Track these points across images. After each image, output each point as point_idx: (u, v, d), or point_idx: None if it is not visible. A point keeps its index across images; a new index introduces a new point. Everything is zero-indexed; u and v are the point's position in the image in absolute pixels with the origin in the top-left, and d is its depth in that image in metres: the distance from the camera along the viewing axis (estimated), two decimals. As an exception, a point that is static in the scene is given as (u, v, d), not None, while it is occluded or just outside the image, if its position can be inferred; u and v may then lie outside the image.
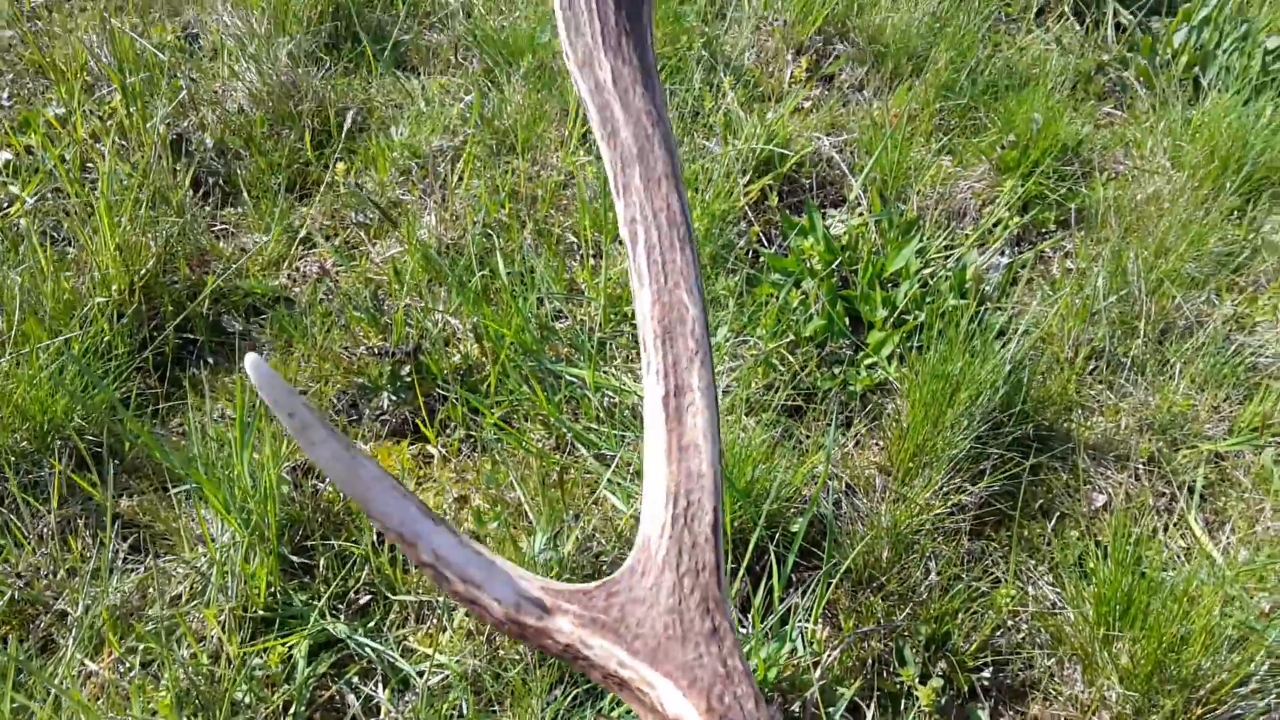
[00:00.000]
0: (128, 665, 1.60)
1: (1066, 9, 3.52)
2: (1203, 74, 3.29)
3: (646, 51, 0.81)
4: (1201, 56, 3.31)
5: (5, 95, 2.66)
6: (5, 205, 2.32)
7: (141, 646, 1.63)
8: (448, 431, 2.09)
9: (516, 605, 0.58)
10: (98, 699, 1.58)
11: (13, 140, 2.45)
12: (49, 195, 2.33)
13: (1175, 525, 2.10)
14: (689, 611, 0.61)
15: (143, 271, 2.13)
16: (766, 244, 2.60)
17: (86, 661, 1.62)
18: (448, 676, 1.66)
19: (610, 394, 2.15)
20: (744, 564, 1.80)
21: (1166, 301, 2.48)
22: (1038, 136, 2.88)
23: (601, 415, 2.11)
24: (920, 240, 2.50)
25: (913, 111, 2.98)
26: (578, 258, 2.46)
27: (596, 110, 0.79)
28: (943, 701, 1.75)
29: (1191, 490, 2.14)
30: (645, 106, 0.78)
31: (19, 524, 1.78)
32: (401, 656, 1.69)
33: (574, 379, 2.16)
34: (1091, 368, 2.36)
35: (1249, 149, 2.88)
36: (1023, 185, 2.75)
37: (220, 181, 2.53)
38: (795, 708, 1.67)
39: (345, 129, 2.60)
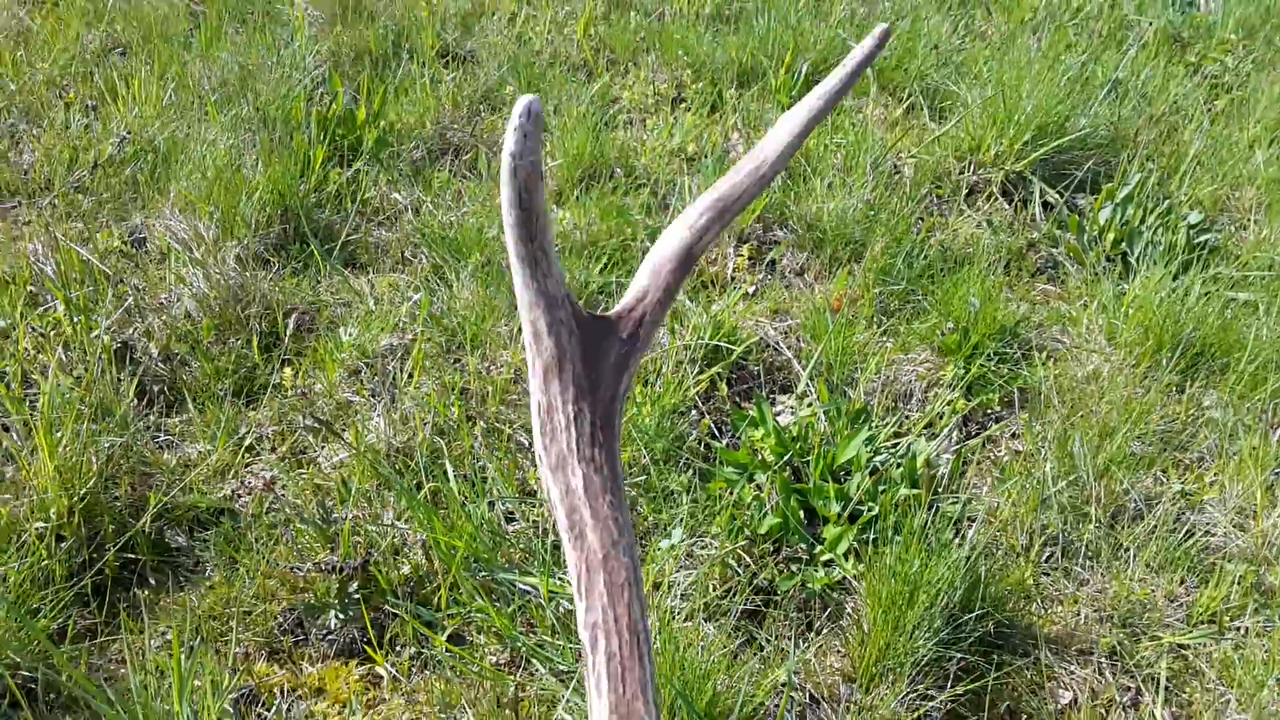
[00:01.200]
0: None
1: (995, 190, 3.67)
2: (1130, 250, 3.42)
3: (616, 461, 0.85)
4: (1127, 233, 3.45)
5: (-54, 306, 2.64)
6: (-59, 426, 2.27)
7: None
8: (397, 649, 2.02)
9: None
10: None
11: (-49, 355, 2.41)
12: (-13, 412, 2.29)
13: (1143, 721, 2.07)
14: None
15: (83, 492, 2.07)
16: (718, 436, 2.61)
17: None
18: None
19: (566, 603, 2.10)
20: (708, 790, 1.74)
21: (1115, 484, 2.51)
22: (976, 319, 2.95)
23: (556, 626, 2.05)
24: (869, 428, 2.53)
25: (853, 296, 3.05)
26: (530, 457, 2.44)
27: (565, 513, 0.84)
28: None
29: (1156, 683, 2.12)
30: (612, 514, 0.81)
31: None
32: None
33: (527, 588, 2.12)
34: (1047, 555, 2.36)
35: (1182, 326, 2.97)
36: (965, 369, 2.80)
37: (165, 389, 2.50)
38: None
39: (290, 332, 2.60)
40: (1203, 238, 3.48)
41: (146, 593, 2.06)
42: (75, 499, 2.05)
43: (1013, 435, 2.73)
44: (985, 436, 2.68)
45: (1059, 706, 2.07)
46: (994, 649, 2.13)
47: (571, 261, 2.96)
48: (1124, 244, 3.43)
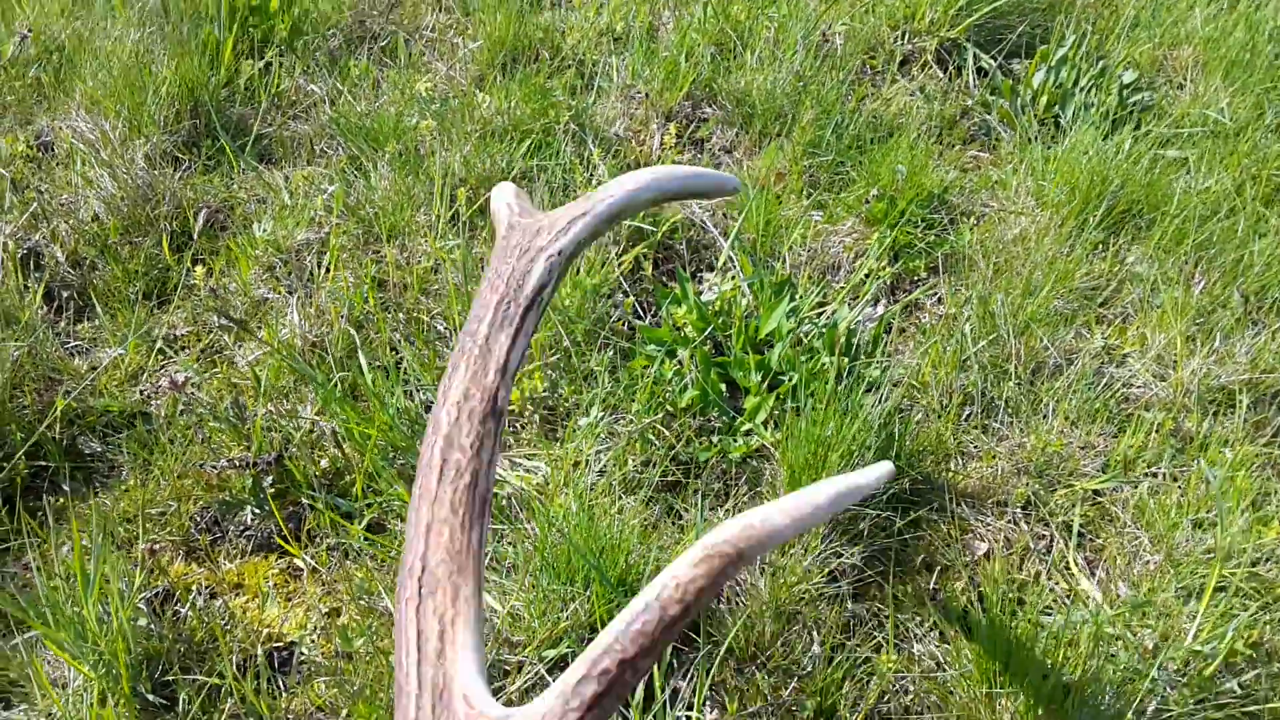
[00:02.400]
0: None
1: (929, 58, 3.60)
2: (1063, 112, 3.38)
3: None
4: (1060, 95, 3.40)
5: None
6: None
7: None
8: (316, 541, 2.03)
9: None
10: None
11: None
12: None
13: (1056, 567, 2.11)
14: None
15: (-14, 399, 2.04)
16: (642, 315, 2.59)
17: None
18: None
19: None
20: (621, 654, 1.77)
21: (1035, 341, 2.52)
22: (904, 186, 2.92)
23: (476, 508, 2.06)
24: (792, 300, 2.52)
25: (781, 170, 3.01)
26: (448, 345, 2.42)
27: None
28: (832, 777, 1.72)
29: (1069, 529, 2.16)
30: None
31: None
32: (268, 789, 1.62)
33: (447, 472, 2.12)
34: (965, 414, 2.38)
35: (1109, 183, 2.95)
36: (890, 235, 2.78)
37: (75, 294, 2.45)
38: (680, 801, 1.64)
39: (200, 228, 2.55)
40: (1136, 97, 3.44)
41: (59, 499, 2.05)
42: (-22, 407, 2.03)
43: (937, 300, 2.73)
44: (908, 301, 2.68)
45: (974, 558, 2.11)
46: (910, 506, 2.16)
47: (494, 146, 2.90)
48: (1057, 107, 3.39)
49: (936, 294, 2.74)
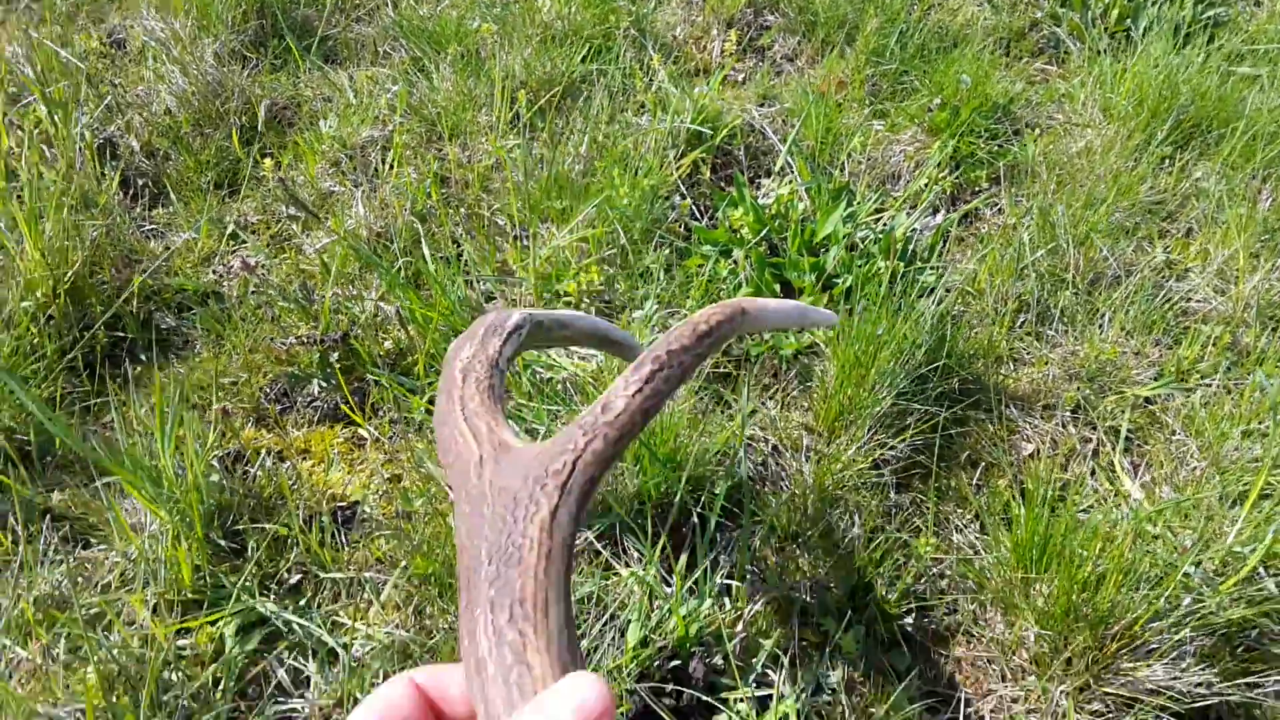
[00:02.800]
0: (55, 652, 1.62)
1: (999, -29, 3.54)
2: (1134, 25, 3.31)
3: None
4: (1132, 8, 3.33)
5: (-64, 109, 2.68)
6: (-69, 215, 2.33)
7: (68, 633, 1.65)
8: (379, 414, 2.11)
9: None
10: (26, 685, 1.60)
11: (-60, 152, 2.46)
12: (-24, 204, 2.35)
13: (1102, 469, 2.12)
14: None
15: (69, 274, 2.14)
16: (698, 217, 2.62)
17: (16, 649, 1.64)
18: (374, 647, 1.68)
19: (540, 370, 2.17)
20: (666, 529, 1.83)
21: (1095, 252, 2.51)
22: (968, 97, 2.90)
23: (531, 391, 2.13)
24: (849, 206, 2.52)
25: (844, 78, 2.99)
26: (508, 239, 2.47)
27: None
28: (865, 648, 1.77)
29: (1117, 434, 2.16)
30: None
31: (-53, 525, 1.80)
32: (330, 631, 1.71)
33: (503, 357, 2.18)
34: (1020, 321, 2.38)
35: (1178, 97, 2.90)
36: (952, 144, 2.77)
37: (149, 183, 2.54)
38: (718, 660, 1.70)
39: (265, 120, 2.62)
40: (1210, 12, 3.35)
41: (137, 369, 2.15)
42: (61, 281, 2.13)
43: (997, 210, 2.71)
44: (967, 210, 2.67)
45: (1020, 457, 2.13)
46: (958, 405, 2.18)
47: (554, 50, 2.92)
48: (1128, 20, 3.32)
49: (997, 204, 2.73)
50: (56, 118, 2.45)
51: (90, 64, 2.75)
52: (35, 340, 2.05)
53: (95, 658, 1.60)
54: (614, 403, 0.61)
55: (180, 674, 1.64)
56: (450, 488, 0.61)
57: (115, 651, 1.62)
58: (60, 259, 2.14)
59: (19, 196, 2.25)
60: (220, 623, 1.71)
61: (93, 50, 2.80)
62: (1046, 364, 2.29)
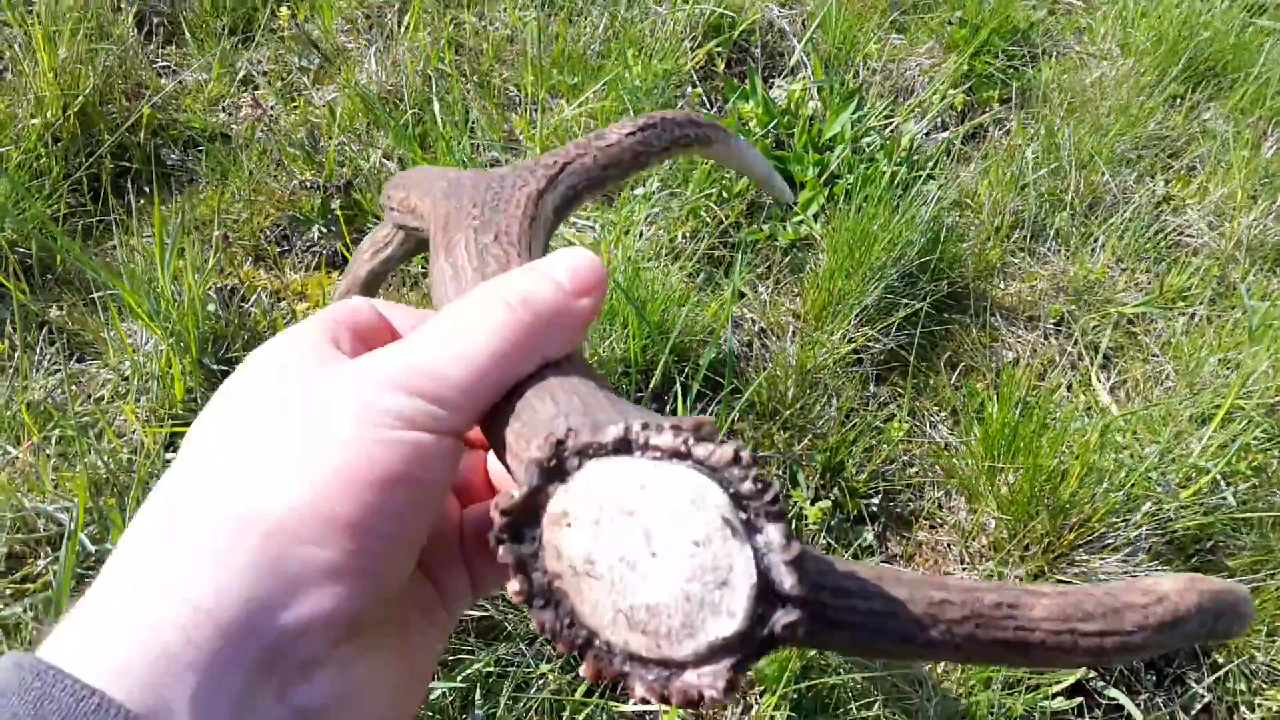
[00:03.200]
0: (44, 454, 1.66)
1: (1034, -102, 3.50)
2: (1162, -33, 3.29)
3: None
4: (1163, -51, 3.31)
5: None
6: (-56, 29, 2.33)
7: (60, 436, 1.69)
8: (376, 264, 2.14)
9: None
10: (14, 482, 1.65)
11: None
12: (-10, 23, 2.35)
13: (1079, 383, 2.17)
14: None
15: (79, 97, 2.15)
16: (709, 107, 2.63)
17: (8, 447, 1.69)
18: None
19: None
20: (648, 391, 1.87)
21: (1096, 176, 2.53)
22: (988, 16, 2.89)
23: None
24: (860, 109, 2.54)
25: (866, -12, 2.98)
26: (518, 111, 2.48)
27: None
28: (831, 523, 1.83)
29: (1097, 349, 2.21)
30: None
31: (-53, 325, 1.83)
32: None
33: (503, 221, 2.21)
34: (1014, 236, 2.41)
35: (1196, 36, 2.90)
36: (968, 62, 2.77)
37: (164, 21, 2.54)
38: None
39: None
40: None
41: (141, 201, 2.17)
42: (71, 104, 2.13)
43: (1005, 132, 2.73)
44: (975, 125, 2.68)
45: (999, 363, 2.17)
46: (944, 309, 2.22)
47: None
48: (1158, -42, 3.30)
49: (1005, 126, 2.74)
50: (74, -55, 2.43)
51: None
52: (42, 160, 2.07)
53: (85, 460, 1.65)
54: (608, 135, 0.63)
55: (166, 483, 1.68)
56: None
57: (105, 457, 1.67)
58: (72, 81, 2.15)
59: (36, 14, 2.24)
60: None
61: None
62: (1036, 279, 2.33)
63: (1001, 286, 2.31)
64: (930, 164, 2.52)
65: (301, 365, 0.41)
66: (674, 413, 1.87)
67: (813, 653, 1.53)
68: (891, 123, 2.60)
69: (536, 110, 2.45)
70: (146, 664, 0.34)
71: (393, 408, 0.38)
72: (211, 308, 1.91)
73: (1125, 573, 1.73)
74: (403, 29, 2.59)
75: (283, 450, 0.38)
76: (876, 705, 1.56)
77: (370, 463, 0.37)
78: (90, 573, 1.57)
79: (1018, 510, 1.78)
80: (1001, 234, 2.37)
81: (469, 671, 1.52)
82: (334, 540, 0.36)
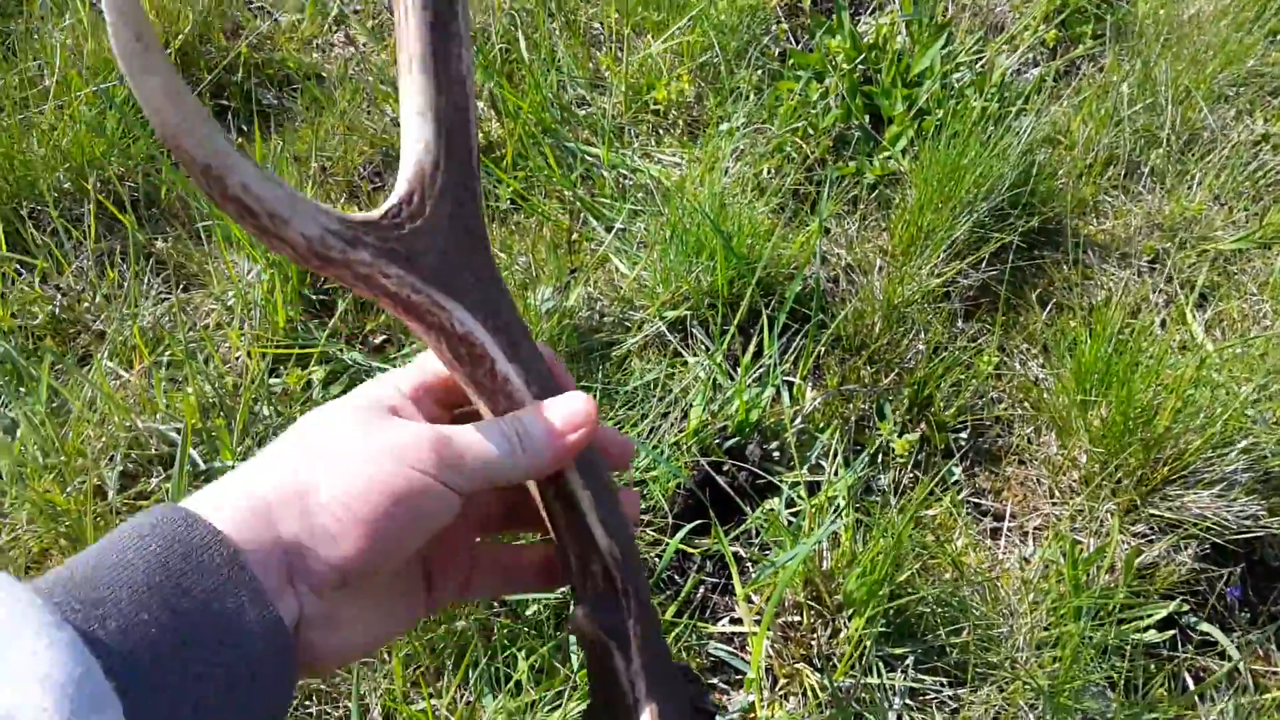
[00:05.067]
0: (155, 377, 1.73)
1: None
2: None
3: None
4: (1269, -122, 3.18)
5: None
6: (50, -29, 2.40)
7: (169, 359, 1.76)
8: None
9: (322, 239, 0.56)
10: (127, 403, 1.73)
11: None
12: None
13: (1173, 320, 2.13)
14: (461, 239, 0.61)
15: (180, 36, 2.21)
16: (794, 42, 2.61)
17: (120, 370, 1.76)
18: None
19: (625, 173, 2.21)
20: (735, 322, 1.89)
21: (1193, 112, 2.46)
22: (1082, -51, 2.81)
23: (614, 192, 2.17)
24: (949, 44, 2.49)
25: (956, -79, 2.92)
26: (603, 49, 2.49)
27: None
28: (919, 457, 1.83)
29: (1192, 287, 2.16)
30: None
31: (60, 252, 1.91)
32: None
33: (590, 157, 2.22)
34: (1108, 173, 2.36)
35: (1302, -32, 2.79)
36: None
37: (258, -37, 2.59)
38: (774, 450, 1.77)
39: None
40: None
41: (238, 139, 2.22)
42: (172, 42, 2.19)
43: (1098, 69, 2.66)
44: (1068, 59, 2.62)
45: (1091, 302, 2.14)
46: (1034, 245, 2.19)
47: None
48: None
49: (1099, 62, 2.67)
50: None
51: None
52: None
53: (194, 382, 1.71)
54: None
55: (271, 408, 1.75)
56: None
57: (213, 382, 1.73)
58: (172, 20, 2.21)
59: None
60: (309, 366, 1.81)
61: None
62: (1129, 216, 2.29)
63: (1094, 223, 2.27)
64: (1021, 100, 2.47)
65: (367, 412, 0.59)
66: (760, 348, 1.88)
67: (903, 576, 1.55)
68: (982, 58, 2.56)
69: (621, 48, 2.45)
70: (235, 524, 0.52)
71: (418, 459, 0.55)
72: (309, 240, 1.96)
73: (1219, 508, 1.71)
74: (489, -32, 2.60)
75: (338, 461, 0.54)
76: (965, 632, 1.57)
77: (390, 483, 0.53)
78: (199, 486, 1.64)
79: (1110, 444, 1.76)
80: (1095, 170, 2.33)
81: (558, 592, 1.57)
82: (350, 521, 0.53)
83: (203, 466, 1.63)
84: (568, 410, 0.60)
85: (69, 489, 1.59)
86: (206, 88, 2.22)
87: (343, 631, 0.56)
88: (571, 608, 0.67)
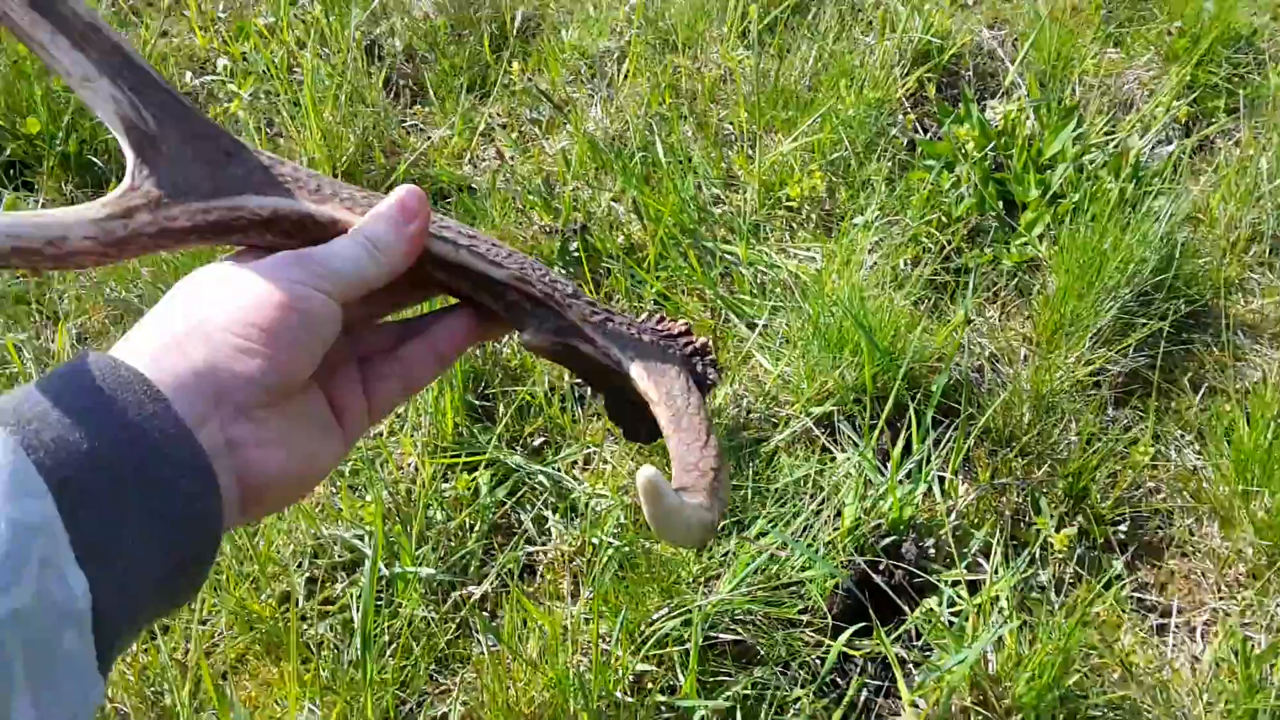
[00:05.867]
0: (338, 485, 1.85)
1: (1253, -106, 3.37)
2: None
3: None
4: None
5: (221, 8, 2.97)
6: (226, 101, 2.61)
7: (350, 467, 1.88)
8: (612, 301, 2.27)
9: (104, 231, 0.60)
10: (314, 507, 1.84)
11: (231, 47, 2.74)
12: (261, 94, 2.61)
13: (1333, 401, 2.08)
14: (202, 143, 0.65)
15: (344, 158, 2.37)
16: (922, 133, 2.65)
17: (304, 480, 1.89)
18: (610, 504, 1.85)
19: (763, 269, 2.28)
20: (883, 418, 1.92)
21: (1340, 184, 2.42)
22: (1209, 24, 2.81)
23: (754, 289, 2.24)
24: (1079, 126, 2.51)
25: (1077, 3, 2.94)
26: (734, 148, 2.58)
27: None
28: (1078, 551, 1.83)
29: (1353, 367, 2.12)
30: None
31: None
32: (572, 482, 1.89)
33: (729, 255, 2.30)
34: (1252, 250, 2.33)
35: None
36: (1190, 73, 2.70)
37: (409, 83, 2.76)
38: (929, 547, 1.79)
39: (517, 27, 2.79)
40: None
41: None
42: (338, 163, 2.36)
43: (1233, 143, 2.64)
44: (1201, 137, 2.61)
45: (1245, 385, 2.11)
46: (1182, 329, 2.17)
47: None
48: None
49: (1233, 136, 2.65)
50: (332, 18, 2.68)
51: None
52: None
53: (376, 489, 1.82)
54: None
55: (443, 512, 1.84)
56: None
57: (389, 487, 1.84)
58: (336, 143, 2.37)
59: (304, 84, 2.49)
60: (476, 472, 1.91)
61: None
62: (1278, 293, 2.25)
63: (1242, 303, 2.24)
64: (1157, 179, 2.47)
65: (234, 260, 0.64)
66: (908, 442, 1.91)
67: (1071, 679, 1.54)
68: (1114, 138, 2.56)
69: (753, 146, 2.54)
70: (154, 363, 0.56)
71: (290, 275, 0.60)
72: (470, 348, 2.07)
73: (1401, 601, 1.66)
74: (623, 76, 2.73)
75: (223, 292, 0.60)
76: (1137, 733, 1.55)
77: (274, 295, 0.59)
78: (382, 594, 1.74)
79: (1276, 535, 1.73)
80: (1238, 248, 2.30)
81: (728, 693, 1.61)
82: (254, 334, 0.58)
83: (384, 572, 1.73)
84: (399, 204, 0.65)
85: (263, 596, 1.71)
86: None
87: (274, 450, 0.60)
88: (518, 338, 0.70)
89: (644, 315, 0.73)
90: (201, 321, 0.58)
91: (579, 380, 0.71)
